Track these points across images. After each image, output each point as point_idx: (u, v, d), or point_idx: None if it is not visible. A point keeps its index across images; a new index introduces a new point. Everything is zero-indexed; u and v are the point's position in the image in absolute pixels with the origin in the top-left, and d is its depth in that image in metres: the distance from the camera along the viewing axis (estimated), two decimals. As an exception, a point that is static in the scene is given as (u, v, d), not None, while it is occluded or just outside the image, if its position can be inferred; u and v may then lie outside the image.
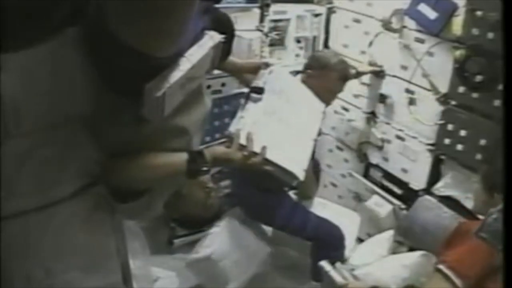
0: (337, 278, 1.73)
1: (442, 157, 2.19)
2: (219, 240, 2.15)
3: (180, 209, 1.30)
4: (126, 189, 1.07)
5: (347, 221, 2.45)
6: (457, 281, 1.50)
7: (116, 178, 1.03)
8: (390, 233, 2.41)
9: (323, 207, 2.46)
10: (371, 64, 2.47)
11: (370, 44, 2.48)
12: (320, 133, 2.88)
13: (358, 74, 2.46)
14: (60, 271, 0.96)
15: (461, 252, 1.55)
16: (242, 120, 1.32)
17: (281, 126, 1.41)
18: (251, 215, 2.30)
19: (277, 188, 2.18)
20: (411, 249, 2.30)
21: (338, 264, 1.82)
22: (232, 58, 1.59)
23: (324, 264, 1.79)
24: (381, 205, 2.46)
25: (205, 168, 1.13)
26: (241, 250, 2.23)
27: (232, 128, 1.30)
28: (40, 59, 0.79)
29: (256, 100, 1.40)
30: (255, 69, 1.54)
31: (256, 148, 1.23)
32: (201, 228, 1.44)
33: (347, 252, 2.34)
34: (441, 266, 1.54)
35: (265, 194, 2.19)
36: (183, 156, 1.11)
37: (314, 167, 2.59)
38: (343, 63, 2.23)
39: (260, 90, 1.42)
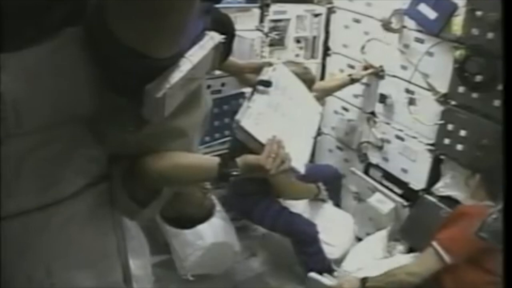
0: (328, 282, 1.96)
1: (442, 157, 2.19)
2: (204, 228, 2.16)
3: (175, 209, 1.30)
4: (147, 192, 1.07)
5: (341, 225, 2.48)
6: (446, 257, 1.65)
7: (149, 175, 1.03)
8: (384, 233, 2.42)
9: (318, 208, 2.48)
10: (366, 67, 2.47)
11: (363, 48, 2.49)
12: (320, 133, 2.90)
13: (353, 81, 2.47)
14: (61, 270, 0.96)
15: (453, 231, 1.69)
16: (249, 110, 1.33)
17: (284, 121, 1.42)
18: (233, 214, 2.47)
19: (255, 192, 2.30)
20: (410, 248, 2.31)
21: (325, 275, 2.08)
22: (233, 58, 1.59)
23: (313, 275, 2.06)
24: (383, 202, 2.46)
25: (235, 173, 1.13)
26: (223, 224, 2.33)
27: (238, 117, 1.31)
28: (41, 58, 0.79)
29: (263, 93, 1.42)
30: (256, 70, 1.55)
31: (263, 138, 1.24)
32: (192, 227, 1.44)
33: (342, 253, 2.38)
34: (433, 243, 1.68)
35: (243, 197, 2.34)
36: (214, 160, 1.12)
37: (335, 179, 2.67)
38: (305, 69, 2.22)
39: (268, 83, 1.44)
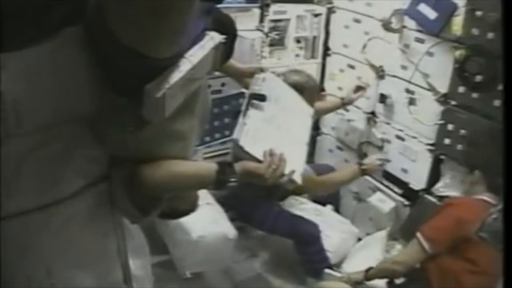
0: (338, 274, 2.09)
1: (442, 157, 2.19)
2: (190, 223, 2.15)
3: (169, 204, 1.30)
4: (148, 200, 1.07)
5: (341, 232, 2.48)
6: (425, 244, 1.72)
7: (147, 185, 1.03)
8: (383, 233, 2.42)
9: (319, 214, 2.49)
10: (359, 87, 2.45)
11: (364, 47, 2.49)
12: (320, 133, 2.90)
13: (344, 105, 2.49)
14: (61, 270, 0.96)
15: (435, 221, 1.77)
16: (245, 127, 1.34)
17: (280, 133, 1.44)
18: (233, 214, 2.46)
19: (256, 196, 2.31)
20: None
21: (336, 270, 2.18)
22: (234, 61, 1.59)
23: (328, 270, 2.15)
24: (384, 202, 2.46)
25: (233, 180, 1.13)
26: (211, 214, 2.30)
27: (235, 135, 1.32)
28: (41, 58, 0.79)
29: (257, 107, 1.42)
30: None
31: (261, 155, 1.26)
32: (177, 218, 1.44)
33: (338, 260, 2.38)
34: (417, 233, 1.76)
35: (243, 202, 2.36)
36: (212, 167, 1.12)
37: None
38: (308, 77, 2.24)
39: (262, 97, 1.44)
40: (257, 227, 2.49)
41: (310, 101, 2.21)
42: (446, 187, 2.18)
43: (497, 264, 1.06)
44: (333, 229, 2.43)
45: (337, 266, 2.36)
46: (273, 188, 2.27)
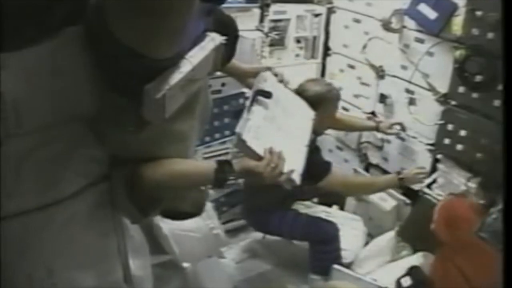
0: (347, 271, 2.07)
1: (442, 156, 2.19)
2: None
3: (170, 205, 1.30)
4: (148, 200, 1.08)
5: (352, 229, 2.46)
6: None
7: (147, 184, 1.04)
8: (392, 234, 2.41)
9: (327, 215, 2.47)
10: (397, 123, 2.38)
11: (364, 47, 2.48)
12: (320, 133, 2.90)
13: (377, 130, 2.40)
14: (62, 270, 0.96)
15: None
16: (249, 123, 1.34)
17: (280, 134, 1.44)
18: (250, 225, 2.48)
19: (267, 205, 2.29)
20: (415, 250, 2.30)
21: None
22: (237, 61, 1.59)
23: (337, 266, 2.12)
24: (385, 200, 2.45)
25: (232, 178, 1.14)
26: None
27: (239, 129, 1.31)
28: (41, 58, 0.79)
29: (262, 104, 1.42)
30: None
31: (260, 150, 1.26)
32: (183, 219, 1.43)
33: (354, 257, 2.37)
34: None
35: (256, 212, 2.34)
36: (211, 165, 1.13)
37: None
38: (328, 86, 2.19)
39: (268, 94, 1.44)
40: (274, 234, 2.44)
41: (332, 111, 2.18)
42: (441, 187, 2.18)
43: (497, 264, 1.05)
44: (344, 227, 2.41)
45: (347, 267, 2.34)
46: (285, 196, 2.24)
